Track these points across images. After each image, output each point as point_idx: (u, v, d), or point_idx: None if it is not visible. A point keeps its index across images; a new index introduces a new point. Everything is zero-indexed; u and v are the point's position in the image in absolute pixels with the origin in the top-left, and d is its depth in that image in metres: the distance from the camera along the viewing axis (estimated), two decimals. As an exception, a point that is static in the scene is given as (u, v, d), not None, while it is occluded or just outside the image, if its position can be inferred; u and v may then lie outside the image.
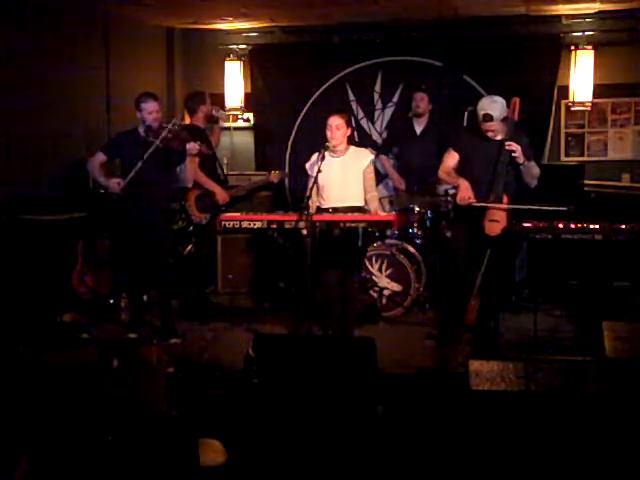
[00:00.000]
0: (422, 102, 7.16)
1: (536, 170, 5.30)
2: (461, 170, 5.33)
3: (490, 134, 5.20)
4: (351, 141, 5.55)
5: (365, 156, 5.55)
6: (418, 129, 7.23)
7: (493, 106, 5.15)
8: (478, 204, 5.13)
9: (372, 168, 5.54)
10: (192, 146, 5.77)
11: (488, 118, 5.12)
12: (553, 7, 7.19)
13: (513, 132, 5.19)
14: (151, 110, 5.61)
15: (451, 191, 6.61)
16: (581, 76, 7.55)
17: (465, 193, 5.17)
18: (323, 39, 8.04)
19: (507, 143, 5.09)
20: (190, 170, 5.95)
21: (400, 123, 7.64)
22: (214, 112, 6.71)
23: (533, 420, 3.35)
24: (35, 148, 6.36)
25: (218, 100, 7.62)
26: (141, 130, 5.67)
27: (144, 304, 5.86)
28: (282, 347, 4.00)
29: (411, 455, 3.69)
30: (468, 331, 5.58)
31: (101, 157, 5.70)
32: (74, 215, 6.34)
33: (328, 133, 5.42)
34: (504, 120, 5.18)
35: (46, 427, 2.91)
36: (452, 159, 5.38)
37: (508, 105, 5.19)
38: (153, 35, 8.21)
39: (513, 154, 5.08)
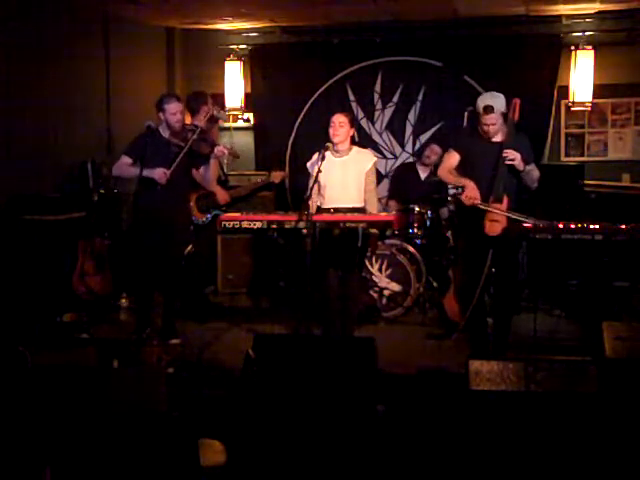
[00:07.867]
0: (434, 155, 7.17)
1: (536, 173, 5.27)
2: (462, 170, 5.31)
3: (491, 129, 5.13)
4: (352, 141, 5.54)
5: (368, 158, 5.53)
6: (423, 175, 7.28)
7: (494, 99, 5.13)
8: (482, 205, 5.11)
9: (374, 170, 5.52)
10: (220, 149, 5.71)
11: (489, 110, 5.07)
12: (553, 7, 7.20)
13: (513, 132, 5.17)
14: (175, 111, 5.48)
15: (451, 191, 6.63)
16: (581, 76, 7.55)
17: (472, 193, 5.14)
18: (323, 39, 8.05)
19: (506, 151, 5.06)
20: (213, 171, 5.85)
21: (405, 168, 7.65)
22: (215, 112, 6.67)
23: (533, 420, 3.35)
24: (35, 148, 6.36)
25: (218, 100, 7.61)
26: (163, 131, 5.55)
27: (152, 304, 5.79)
28: (282, 347, 3.99)
29: (411, 455, 3.69)
30: (462, 330, 5.60)
31: (126, 160, 5.53)
32: (74, 215, 6.35)
33: (331, 130, 5.38)
34: (504, 117, 5.16)
35: (45, 427, 2.91)
36: (453, 159, 5.35)
37: (508, 105, 5.18)
38: (153, 35, 8.22)
39: (512, 162, 5.06)
